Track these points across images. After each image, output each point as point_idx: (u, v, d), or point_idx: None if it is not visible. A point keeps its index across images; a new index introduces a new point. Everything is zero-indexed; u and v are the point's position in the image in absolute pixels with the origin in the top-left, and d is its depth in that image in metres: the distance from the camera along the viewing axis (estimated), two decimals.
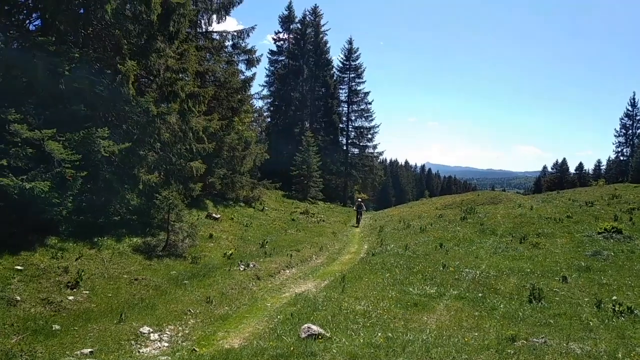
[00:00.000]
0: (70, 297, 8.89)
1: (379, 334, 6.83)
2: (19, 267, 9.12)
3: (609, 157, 70.62)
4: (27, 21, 12.99)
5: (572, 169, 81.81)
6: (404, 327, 7.39)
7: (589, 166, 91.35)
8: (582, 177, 76.69)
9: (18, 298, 8.08)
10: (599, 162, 78.17)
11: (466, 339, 6.48)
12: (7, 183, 9.19)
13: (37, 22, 12.98)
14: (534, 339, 6.37)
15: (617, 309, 8.14)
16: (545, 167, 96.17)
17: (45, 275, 9.30)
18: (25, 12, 12.83)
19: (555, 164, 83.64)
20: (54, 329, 7.39)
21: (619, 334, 6.94)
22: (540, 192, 56.03)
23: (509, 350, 5.72)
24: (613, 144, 64.83)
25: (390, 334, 6.82)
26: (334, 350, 5.46)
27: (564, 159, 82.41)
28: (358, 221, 28.43)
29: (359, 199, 32.05)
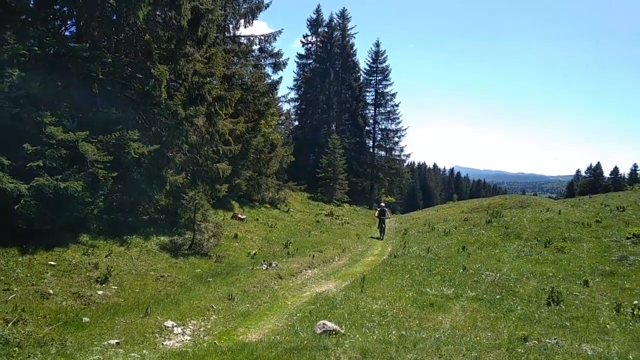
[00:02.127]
0: (100, 292, 9.33)
1: (393, 332, 6.96)
2: (52, 263, 9.62)
3: None
4: (63, 27, 13.62)
5: (606, 173, 79.56)
6: (418, 326, 7.51)
7: (624, 170, 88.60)
8: (617, 182, 74.56)
9: (51, 291, 8.54)
10: (635, 166, 75.85)
11: (478, 338, 6.55)
12: (43, 182, 9.71)
13: (72, 28, 13.61)
14: (547, 340, 6.39)
15: (636, 312, 8.02)
16: (578, 171, 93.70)
17: (76, 271, 9.78)
18: (60, 19, 13.45)
19: (589, 168, 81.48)
20: (83, 321, 7.79)
21: (634, 337, 6.86)
22: (573, 197, 54.76)
23: (519, 350, 5.78)
24: None
25: (403, 332, 6.95)
26: (346, 345, 5.64)
27: (598, 162, 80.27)
28: (382, 231, 23.12)
29: (382, 203, 25.59)
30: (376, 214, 24.48)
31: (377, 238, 22.82)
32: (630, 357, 5.49)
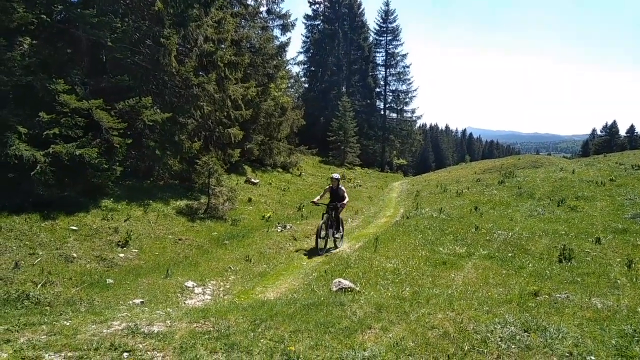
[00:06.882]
0: (121, 255, 9.64)
1: (407, 289, 7.15)
2: (74, 227, 9.92)
3: None
4: None
5: (622, 132, 78.12)
6: (431, 283, 7.68)
7: None
8: (633, 140, 73.34)
9: (74, 255, 8.85)
10: None
11: (490, 294, 6.70)
12: (60, 150, 9.90)
13: None
14: (557, 295, 6.52)
15: None
16: (594, 130, 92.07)
17: (97, 235, 10.08)
18: None
19: (605, 127, 79.94)
20: (107, 282, 8.10)
21: None
22: (588, 156, 54.12)
23: (530, 304, 5.92)
24: None
25: (417, 289, 7.13)
26: (361, 301, 5.81)
27: (614, 121, 78.55)
28: (326, 233, 11.23)
29: (335, 175, 12.74)
30: (318, 197, 12.28)
31: (319, 250, 10.96)
32: (639, 310, 5.61)
